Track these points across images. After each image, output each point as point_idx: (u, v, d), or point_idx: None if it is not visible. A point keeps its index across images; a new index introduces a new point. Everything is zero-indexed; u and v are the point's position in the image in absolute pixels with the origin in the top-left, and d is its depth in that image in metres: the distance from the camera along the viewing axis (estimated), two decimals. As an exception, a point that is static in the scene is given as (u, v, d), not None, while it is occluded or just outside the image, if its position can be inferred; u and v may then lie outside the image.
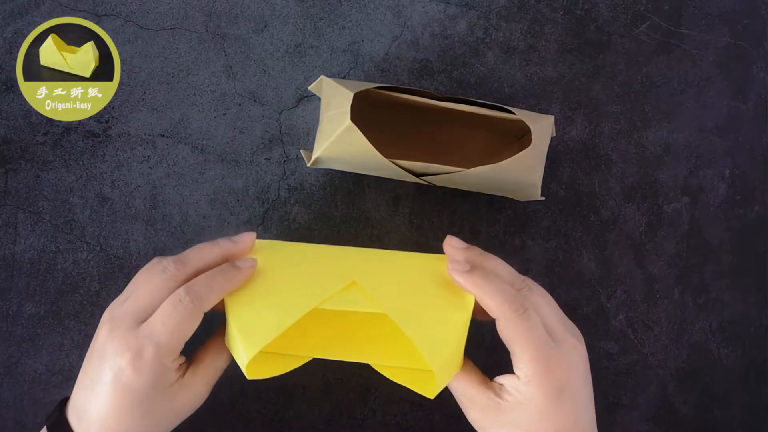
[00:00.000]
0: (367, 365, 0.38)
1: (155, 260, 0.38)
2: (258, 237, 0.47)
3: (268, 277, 0.37)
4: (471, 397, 0.37)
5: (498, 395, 0.36)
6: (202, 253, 0.38)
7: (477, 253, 0.39)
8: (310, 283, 0.36)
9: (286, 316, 0.34)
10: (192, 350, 0.38)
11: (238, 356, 0.35)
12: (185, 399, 0.37)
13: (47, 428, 0.36)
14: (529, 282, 0.38)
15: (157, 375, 0.35)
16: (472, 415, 0.37)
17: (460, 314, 0.36)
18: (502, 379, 0.37)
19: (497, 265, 0.38)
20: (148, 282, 0.36)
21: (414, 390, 0.37)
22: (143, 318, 0.35)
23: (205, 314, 0.36)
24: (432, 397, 0.36)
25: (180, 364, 0.36)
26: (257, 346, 0.34)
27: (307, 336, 0.39)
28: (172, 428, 0.37)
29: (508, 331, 0.35)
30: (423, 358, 0.35)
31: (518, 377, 0.36)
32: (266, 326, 0.34)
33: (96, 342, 0.36)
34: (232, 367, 0.40)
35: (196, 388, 0.37)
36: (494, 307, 0.36)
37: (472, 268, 0.37)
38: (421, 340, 0.34)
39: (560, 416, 0.35)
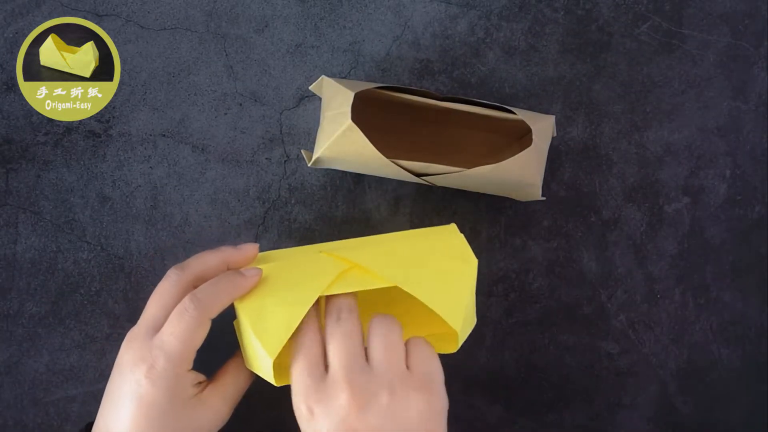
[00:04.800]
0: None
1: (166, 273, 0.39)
2: (259, 237, 0.47)
3: (272, 281, 0.37)
4: None
5: None
6: (203, 258, 0.38)
7: None
8: (312, 276, 0.36)
9: (297, 309, 0.35)
10: (213, 371, 0.39)
11: (259, 363, 0.35)
12: (205, 417, 0.36)
13: None
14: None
15: (172, 387, 0.35)
16: None
17: (465, 265, 0.36)
18: None
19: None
20: (156, 293, 0.37)
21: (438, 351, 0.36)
22: (157, 327, 0.36)
23: (225, 335, 0.36)
24: (455, 350, 0.35)
25: (199, 382, 0.37)
26: (277, 343, 0.34)
27: None
28: None
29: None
30: (437, 322, 0.35)
31: None
32: (280, 323, 0.34)
33: (117, 359, 0.37)
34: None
35: (215, 405, 0.37)
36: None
37: None
38: (433, 300, 0.35)
39: None
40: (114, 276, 0.46)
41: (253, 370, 0.37)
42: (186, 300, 0.35)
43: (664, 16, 0.49)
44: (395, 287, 0.36)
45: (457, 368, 0.38)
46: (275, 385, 0.36)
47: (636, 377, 0.49)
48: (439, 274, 0.36)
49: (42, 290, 0.46)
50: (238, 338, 0.38)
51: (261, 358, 0.35)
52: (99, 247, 0.46)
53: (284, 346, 0.35)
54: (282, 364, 0.37)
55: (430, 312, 0.36)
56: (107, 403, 0.36)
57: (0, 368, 0.46)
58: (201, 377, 0.37)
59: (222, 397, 0.37)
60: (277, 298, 0.36)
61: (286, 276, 0.37)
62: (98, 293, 0.46)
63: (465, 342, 0.38)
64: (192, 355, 0.36)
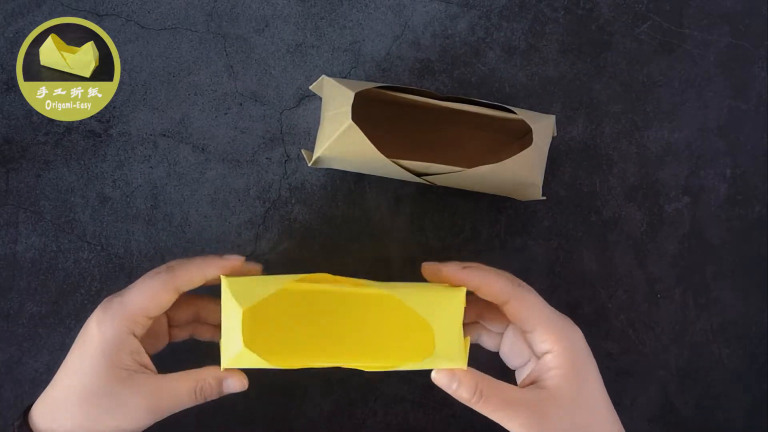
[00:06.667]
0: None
1: None
2: (259, 237, 0.47)
3: (262, 276, 0.37)
4: (516, 401, 0.35)
5: (539, 386, 0.36)
6: (199, 258, 0.38)
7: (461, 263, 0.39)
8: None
9: (278, 282, 0.35)
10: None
11: (231, 328, 0.34)
12: (128, 398, 0.34)
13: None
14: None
15: (112, 338, 0.34)
16: (520, 421, 0.35)
17: (455, 291, 0.36)
18: (532, 375, 0.37)
19: (483, 265, 0.39)
20: (142, 278, 0.38)
21: (411, 364, 0.36)
22: None
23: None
24: (430, 360, 0.35)
25: (141, 363, 0.35)
26: (251, 298, 0.34)
27: (302, 347, 0.38)
28: None
29: (520, 309, 0.36)
30: (421, 352, 0.36)
31: (547, 353, 0.36)
32: (258, 288, 0.34)
33: None
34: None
35: (143, 395, 0.35)
36: (500, 290, 0.36)
37: (466, 266, 0.38)
38: (420, 306, 0.35)
39: (592, 388, 0.36)
40: (114, 276, 0.46)
41: (227, 362, 0.35)
42: (160, 267, 0.36)
43: (664, 15, 0.50)
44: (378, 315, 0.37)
45: (457, 368, 0.39)
46: (243, 349, 0.33)
47: (636, 377, 0.49)
48: (427, 291, 0.36)
49: (42, 290, 0.46)
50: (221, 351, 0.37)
51: (234, 318, 0.33)
52: (99, 247, 0.46)
53: (265, 339, 0.34)
54: (259, 343, 0.35)
55: (414, 347, 0.36)
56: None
57: (0, 368, 0.46)
58: (145, 360, 0.36)
59: (155, 389, 0.35)
60: (263, 277, 0.36)
61: (278, 276, 0.37)
62: (98, 293, 0.46)
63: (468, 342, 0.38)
64: (145, 321, 0.35)
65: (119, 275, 0.46)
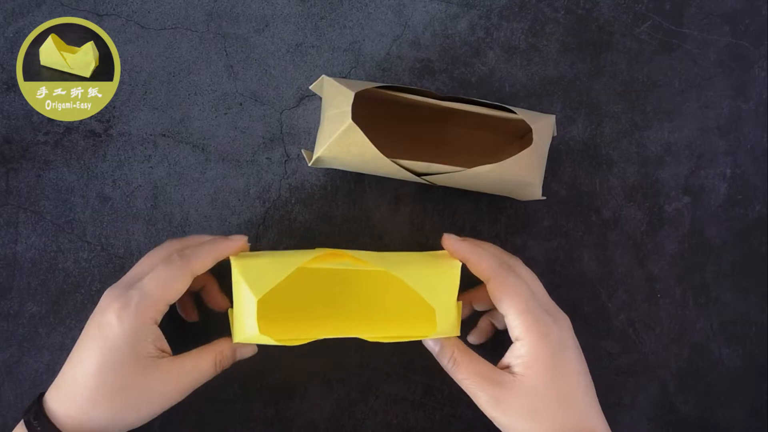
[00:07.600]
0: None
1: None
2: (259, 237, 0.47)
3: (269, 254, 0.39)
4: (484, 375, 0.37)
5: (509, 371, 0.37)
6: (198, 235, 0.42)
7: (470, 239, 0.42)
8: (307, 253, 0.39)
9: (288, 265, 0.36)
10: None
11: (246, 313, 0.36)
12: (156, 385, 0.36)
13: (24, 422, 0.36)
14: (518, 260, 0.41)
15: (135, 331, 0.35)
16: (485, 398, 0.37)
17: (451, 269, 0.38)
18: (504, 359, 0.38)
19: (489, 245, 0.42)
20: (147, 254, 0.40)
21: (412, 337, 0.38)
22: (139, 280, 0.37)
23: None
24: (430, 335, 0.37)
25: (161, 349, 0.37)
26: (264, 286, 0.35)
27: (309, 320, 0.41)
28: (136, 423, 0.37)
29: (498, 289, 0.37)
30: (419, 325, 0.39)
31: (516, 340, 0.37)
32: (270, 273, 0.36)
33: (94, 310, 0.37)
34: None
35: (170, 375, 0.36)
36: (485, 268, 0.38)
37: (463, 239, 0.40)
38: (419, 286, 0.36)
39: (569, 382, 0.37)
40: (114, 276, 0.46)
41: (240, 339, 0.37)
42: (174, 254, 0.37)
43: (664, 15, 0.50)
44: (383, 300, 0.40)
45: (457, 368, 0.39)
46: (258, 334, 0.35)
47: (636, 377, 0.49)
48: (426, 271, 0.38)
49: (42, 290, 0.46)
50: (230, 321, 0.39)
51: (248, 304, 0.35)
52: (99, 247, 0.46)
53: (275, 311, 0.37)
54: (269, 316, 0.38)
55: (412, 316, 0.40)
56: (75, 351, 0.37)
57: (0, 368, 0.46)
58: (165, 345, 0.37)
59: (179, 370, 0.37)
60: (271, 259, 0.38)
61: (282, 253, 0.40)
62: (99, 293, 0.46)
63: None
64: (164, 307, 0.36)
65: (119, 275, 0.46)
